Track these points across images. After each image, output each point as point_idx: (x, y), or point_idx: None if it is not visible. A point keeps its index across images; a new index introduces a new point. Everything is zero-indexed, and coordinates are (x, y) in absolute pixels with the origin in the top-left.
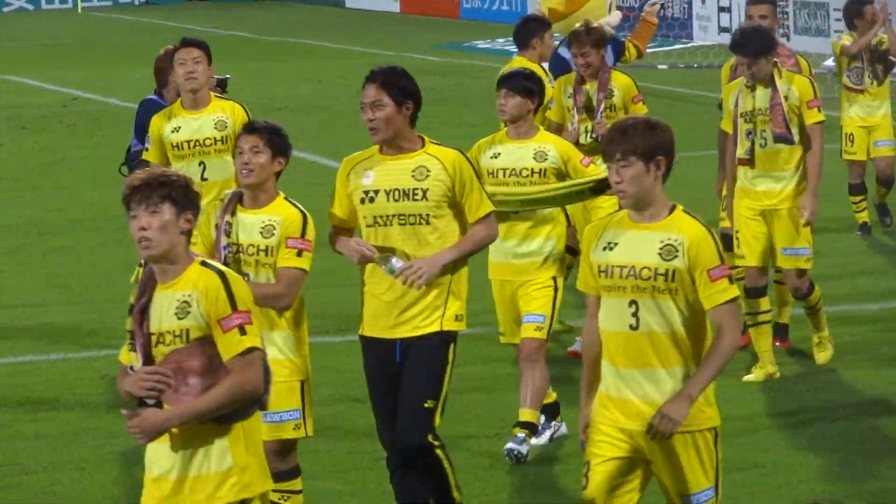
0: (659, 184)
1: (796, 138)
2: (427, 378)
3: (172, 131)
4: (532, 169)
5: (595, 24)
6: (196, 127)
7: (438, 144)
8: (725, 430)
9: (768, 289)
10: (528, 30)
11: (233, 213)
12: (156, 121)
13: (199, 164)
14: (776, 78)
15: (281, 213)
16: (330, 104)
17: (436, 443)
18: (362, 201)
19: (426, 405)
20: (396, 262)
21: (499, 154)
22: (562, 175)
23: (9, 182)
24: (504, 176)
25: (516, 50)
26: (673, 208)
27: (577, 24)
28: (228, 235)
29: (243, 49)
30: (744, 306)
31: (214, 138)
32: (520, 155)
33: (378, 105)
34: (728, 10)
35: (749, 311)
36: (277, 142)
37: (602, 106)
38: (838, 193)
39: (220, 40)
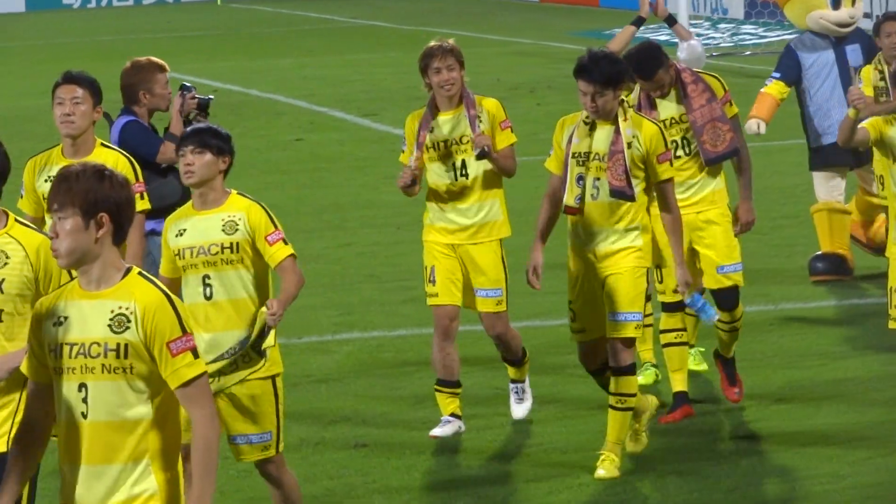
0: (107, 243)
1: (637, 194)
2: None
3: (46, 180)
4: (222, 244)
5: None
6: None
7: (25, 226)
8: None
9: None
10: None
11: None
12: (30, 166)
13: None
14: (620, 119)
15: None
16: None
17: None
18: None
19: None
20: None
21: (184, 231)
22: (256, 249)
23: None
24: (191, 256)
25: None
26: (127, 272)
27: (451, 40)
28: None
29: (383, 38)
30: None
31: None
32: (206, 227)
33: None
34: None
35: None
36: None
37: (477, 122)
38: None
39: (359, 30)
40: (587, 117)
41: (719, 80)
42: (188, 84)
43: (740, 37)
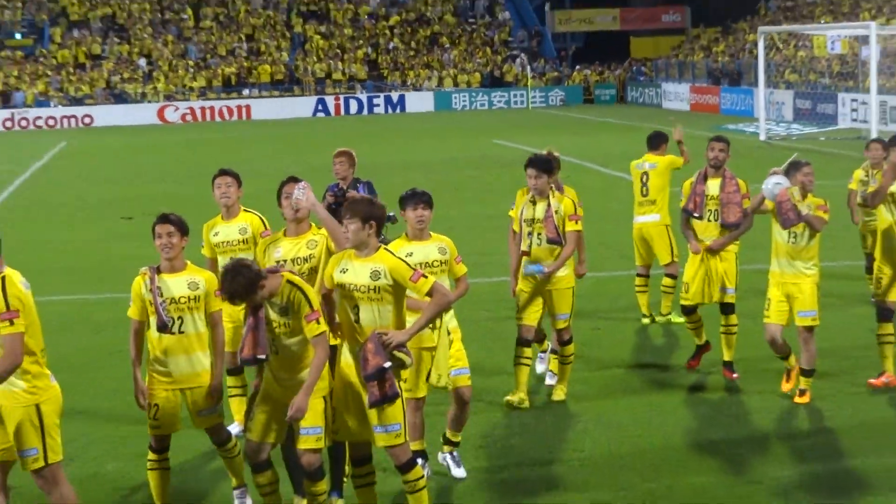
0: (372, 236)
1: (564, 241)
2: None
3: (214, 234)
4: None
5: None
6: (226, 232)
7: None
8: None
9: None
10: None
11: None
12: (207, 226)
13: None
14: (551, 197)
15: (200, 273)
16: None
17: None
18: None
19: None
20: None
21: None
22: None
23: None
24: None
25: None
26: (377, 248)
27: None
28: (162, 295)
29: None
30: (515, 350)
31: (239, 240)
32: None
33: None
34: None
35: (516, 355)
36: (185, 226)
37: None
38: None
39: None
40: (532, 197)
41: (744, 183)
42: (334, 184)
43: None
